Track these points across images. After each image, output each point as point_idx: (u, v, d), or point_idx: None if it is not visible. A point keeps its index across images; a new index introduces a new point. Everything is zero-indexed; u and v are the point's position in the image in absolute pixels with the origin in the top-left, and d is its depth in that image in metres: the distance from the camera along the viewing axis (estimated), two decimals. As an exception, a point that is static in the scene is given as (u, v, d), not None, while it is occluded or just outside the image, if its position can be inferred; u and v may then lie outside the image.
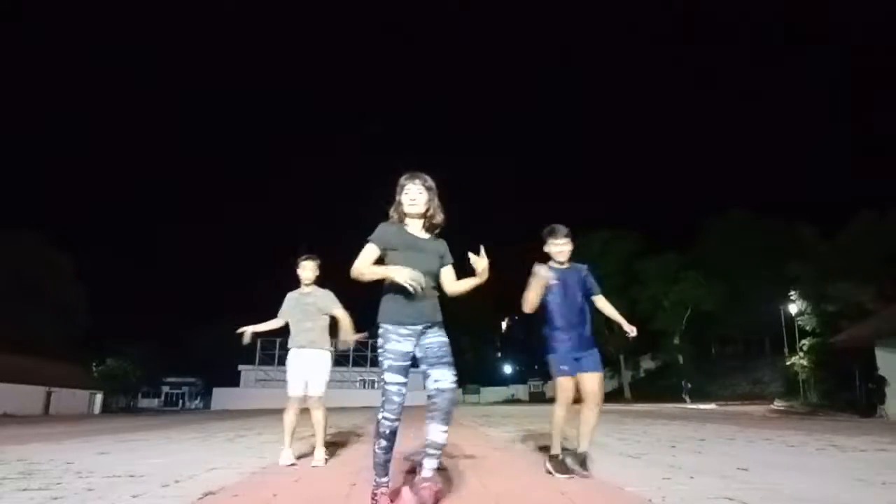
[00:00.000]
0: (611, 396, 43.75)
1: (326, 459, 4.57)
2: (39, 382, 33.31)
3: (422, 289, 2.58)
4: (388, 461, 2.66)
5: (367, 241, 2.74)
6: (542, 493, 3.23)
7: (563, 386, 3.76)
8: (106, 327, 49.56)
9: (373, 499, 2.66)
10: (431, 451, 2.67)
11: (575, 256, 4.04)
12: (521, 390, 57.34)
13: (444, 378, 2.66)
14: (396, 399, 2.60)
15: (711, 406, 24.98)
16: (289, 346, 4.69)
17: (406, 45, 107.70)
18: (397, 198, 2.82)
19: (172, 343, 57.92)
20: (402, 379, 2.63)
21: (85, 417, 25.98)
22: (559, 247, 3.91)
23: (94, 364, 48.35)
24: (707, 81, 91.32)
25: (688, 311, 39.93)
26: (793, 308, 25.70)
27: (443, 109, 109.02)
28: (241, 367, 48.59)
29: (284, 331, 4.82)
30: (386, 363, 2.62)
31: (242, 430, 9.52)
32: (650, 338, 42.57)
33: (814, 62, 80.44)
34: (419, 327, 2.66)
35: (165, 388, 60.91)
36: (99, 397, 40.81)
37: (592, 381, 3.82)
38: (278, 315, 4.83)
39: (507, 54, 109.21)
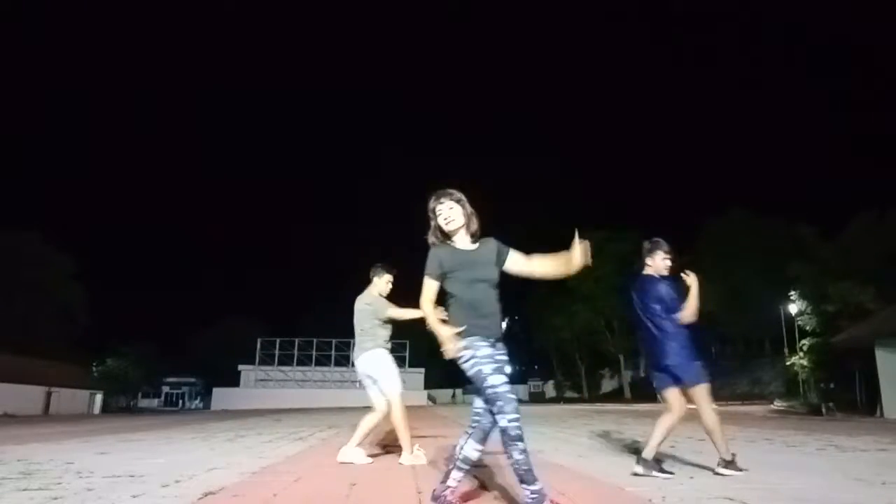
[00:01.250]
0: (611, 396, 43.78)
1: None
2: (39, 382, 33.29)
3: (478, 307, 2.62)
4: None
5: (424, 277, 2.67)
6: (542, 493, 3.22)
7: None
8: (106, 327, 49.63)
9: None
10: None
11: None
12: (520, 390, 57.28)
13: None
14: (513, 396, 2.53)
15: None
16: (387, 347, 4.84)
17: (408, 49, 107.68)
18: (432, 223, 2.77)
19: (172, 343, 57.97)
20: (506, 377, 2.58)
21: (85, 417, 25.97)
22: (670, 260, 4.05)
23: (94, 364, 48.31)
24: (707, 81, 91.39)
25: (688, 311, 39.88)
26: (793, 308, 25.68)
27: (443, 109, 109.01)
28: (241, 368, 48.57)
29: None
30: (488, 368, 2.54)
31: (242, 431, 9.51)
32: (650, 338, 42.49)
33: (814, 62, 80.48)
34: (492, 340, 2.63)
35: (165, 389, 60.88)
36: (99, 397, 40.78)
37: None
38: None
39: (507, 54, 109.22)
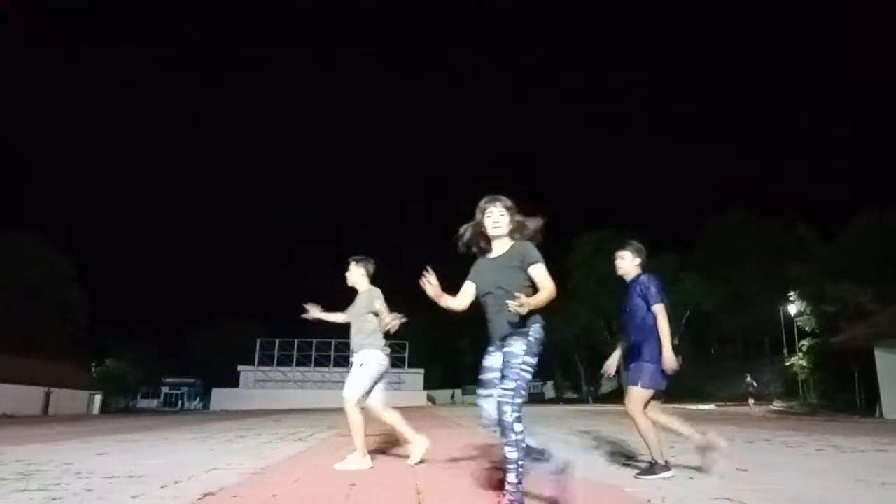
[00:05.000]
0: (611, 397, 43.70)
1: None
2: (39, 383, 33.27)
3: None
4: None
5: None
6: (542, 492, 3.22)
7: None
8: (106, 327, 49.61)
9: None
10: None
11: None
12: (520, 391, 57.13)
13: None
14: (482, 410, 2.84)
15: (710, 407, 24.98)
16: None
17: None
18: (477, 218, 2.97)
19: (172, 343, 57.97)
20: (484, 392, 2.84)
21: (84, 418, 25.93)
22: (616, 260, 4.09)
23: (93, 364, 48.27)
24: (706, 81, 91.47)
25: (687, 311, 39.91)
26: (792, 309, 25.69)
27: (445, 107, 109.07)
28: (240, 368, 48.51)
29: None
30: (481, 376, 2.86)
31: (242, 431, 9.51)
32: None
33: (814, 62, 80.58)
34: (498, 342, 2.83)
35: (165, 389, 60.74)
36: (98, 398, 40.76)
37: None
38: (346, 311, 4.70)
39: (508, 55, 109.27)
